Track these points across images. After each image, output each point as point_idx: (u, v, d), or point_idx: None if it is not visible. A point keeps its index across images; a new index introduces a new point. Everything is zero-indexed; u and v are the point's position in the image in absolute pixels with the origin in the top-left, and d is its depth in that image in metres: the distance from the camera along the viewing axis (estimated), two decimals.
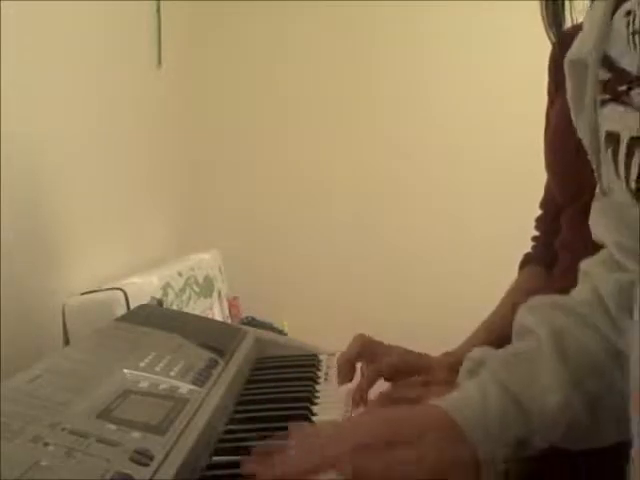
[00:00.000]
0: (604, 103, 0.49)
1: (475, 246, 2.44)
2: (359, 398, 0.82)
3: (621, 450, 0.51)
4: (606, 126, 0.49)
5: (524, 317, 0.63)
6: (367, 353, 0.88)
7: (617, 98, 0.48)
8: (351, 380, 0.87)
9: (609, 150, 0.48)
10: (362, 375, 0.88)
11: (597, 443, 0.59)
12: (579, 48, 0.53)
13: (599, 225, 0.58)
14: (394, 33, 2.48)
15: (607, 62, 0.49)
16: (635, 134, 0.45)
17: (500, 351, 0.62)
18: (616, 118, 0.48)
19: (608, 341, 0.58)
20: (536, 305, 0.64)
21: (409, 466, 0.52)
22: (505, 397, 0.56)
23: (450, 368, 0.86)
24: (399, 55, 2.50)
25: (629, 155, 0.46)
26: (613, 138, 0.48)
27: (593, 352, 0.58)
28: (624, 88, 0.47)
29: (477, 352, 0.64)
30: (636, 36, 0.46)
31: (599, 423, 0.57)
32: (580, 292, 0.63)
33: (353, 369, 0.87)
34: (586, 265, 0.64)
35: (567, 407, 0.56)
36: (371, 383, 0.84)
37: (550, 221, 1.00)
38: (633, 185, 0.45)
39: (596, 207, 0.58)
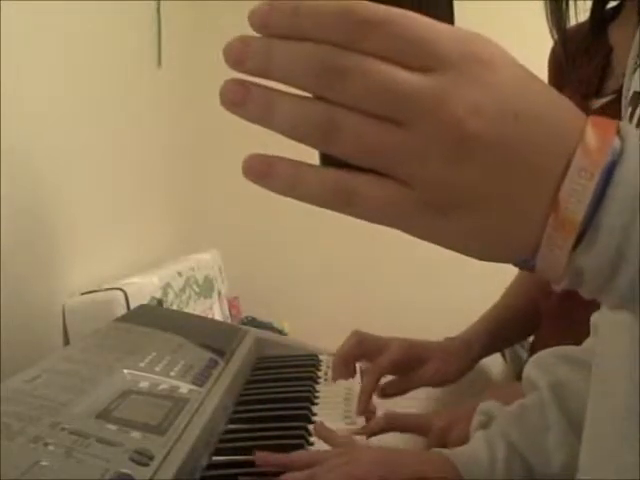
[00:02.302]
0: (636, 69, 0.48)
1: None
2: (364, 403, 0.81)
3: None
4: (633, 88, 0.47)
5: (530, 370, 0.63)
6: (365, 350, 0.87)
7: None
8: (347, 378, 0.86)
9: (629, 110, 0.47)
10: (362, 376, 0.87)
11: None
12: None
13: None
14: None
15: None
16: None
17: (510, 406, 0.62)
18: None
19: None
20: (541, 358, 0.63)
21: None
22: (512, 456, 0.56)
23: (451, 353, 0.86)
24: None
25: None
26: (635, 97, 0.46)
27: None
28: None
29: (487, 406, 0.64)
30: None
31: None
32: (588, 342, 0.62)
33: (350, 367, 0.86)
34: (595, 318, 0.62)
35: (573, 465, 0.54)
36: (374, 385, 0.83)
37: None
38: None
39: None
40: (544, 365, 0.62)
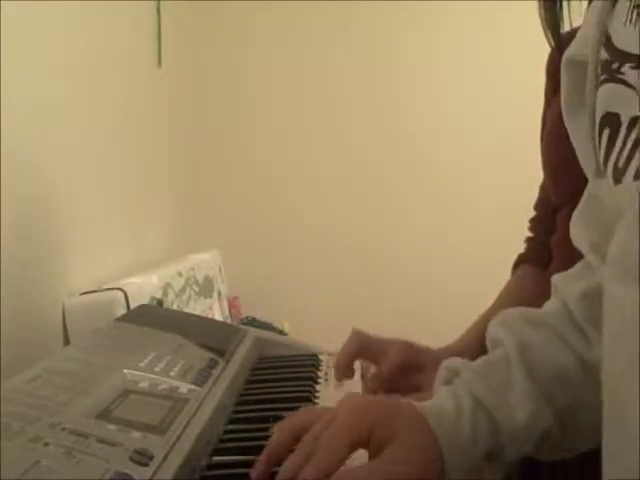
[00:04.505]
0: (601, 84, 0.48)
1: (476, 247, 2.44)
2: None
3: None
4: (604, 107, 0.48)
5: (494, 329, 0.64)
6: (366, 351, 0.87)
7: (611, 76, 0.47)
8: (350, 378, 0.87)
9: (604, 132, 0.47)
10: (362, 376, 0.88)
11: (570, 453, 0.60)
12: (579, 46, 0.53)
13: (577, 227, 0.58)
14: (397, 34, 2.48)
15: (607, 44, 0.48)
16: (636, 114, 0.44)
17: (474, 362, 0.63)
18: (613, 97, 0.47)
19: (576, 353, 0.58)
20: (506, 318, 0.64)
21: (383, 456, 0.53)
22: (477, 409, 0.57)
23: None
24: (401, 54, 2.50)
25: (628, 135, 0.44)
26: (612, 119, 0.46)
27: (561, 365, 0.58)
28: (617, 65, 0.46)
29: (452, 362, 0.65)
30: (634, 11, 0.45)
31: (570, 435, 0.58)
32: (549, 305, 0.64)
33: (352, 367, 0.87)
34: (555, 279, 0.64)
35: (537, 421, 0.56)
36: (373, 392, 0.83)
37: (545, 222, 1.00)
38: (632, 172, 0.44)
39: (576, 211, 0.58)
40: (509, 324, 0.63)
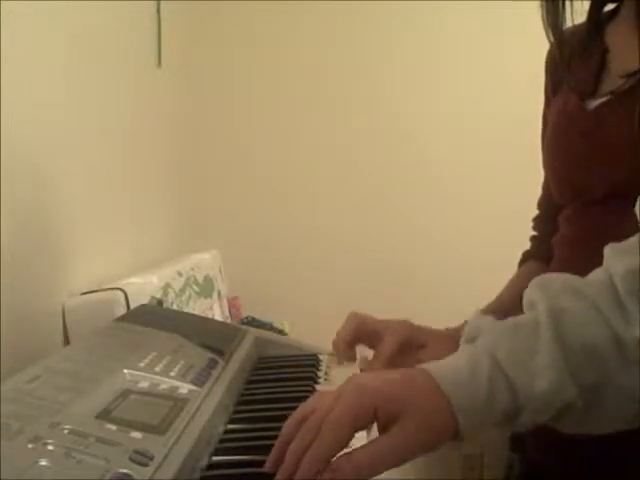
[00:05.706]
0: None
1: (477, 247, 2.44)
2: None
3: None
4: None
5: (532, 291, 0.61)
6: (365, 333, 0.87)
7: None
8: (352, 360, 0.86)
9: None
10: (360, 362, 0.87)
11: (595, 430, 0.58)
12: None
13: None
14: (396, 33, 2.48)
15: None
16: None
17: (501, 322, 0.60)
18: None
19: (611, 327, 0.56)
20: (546, 281, 0.61)
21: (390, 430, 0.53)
22: (495, 371, 0.55)
23: (449, 341, 0.86)
24: (400, 54, 2.50)
25: None
26: None
27: (594, 338, 0.56)
28: None
29: (478, 320, 0.63)
30: None
31: (595, 413, 0.56)
32: (593, 274, 0.61)
33: (352, 349, 0.86)
34: (606, 250, 0.61)
35: (558, 393, 0.54)
36: None
37: (548, 220, 1.00)
38: None
39: None
40: (547, 288, 0.60)
